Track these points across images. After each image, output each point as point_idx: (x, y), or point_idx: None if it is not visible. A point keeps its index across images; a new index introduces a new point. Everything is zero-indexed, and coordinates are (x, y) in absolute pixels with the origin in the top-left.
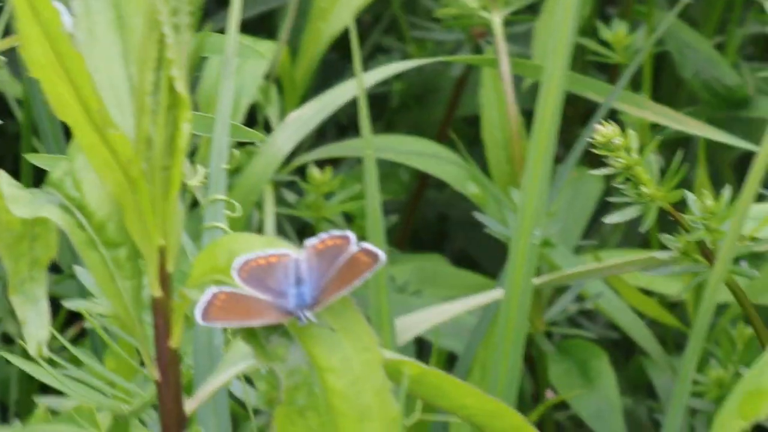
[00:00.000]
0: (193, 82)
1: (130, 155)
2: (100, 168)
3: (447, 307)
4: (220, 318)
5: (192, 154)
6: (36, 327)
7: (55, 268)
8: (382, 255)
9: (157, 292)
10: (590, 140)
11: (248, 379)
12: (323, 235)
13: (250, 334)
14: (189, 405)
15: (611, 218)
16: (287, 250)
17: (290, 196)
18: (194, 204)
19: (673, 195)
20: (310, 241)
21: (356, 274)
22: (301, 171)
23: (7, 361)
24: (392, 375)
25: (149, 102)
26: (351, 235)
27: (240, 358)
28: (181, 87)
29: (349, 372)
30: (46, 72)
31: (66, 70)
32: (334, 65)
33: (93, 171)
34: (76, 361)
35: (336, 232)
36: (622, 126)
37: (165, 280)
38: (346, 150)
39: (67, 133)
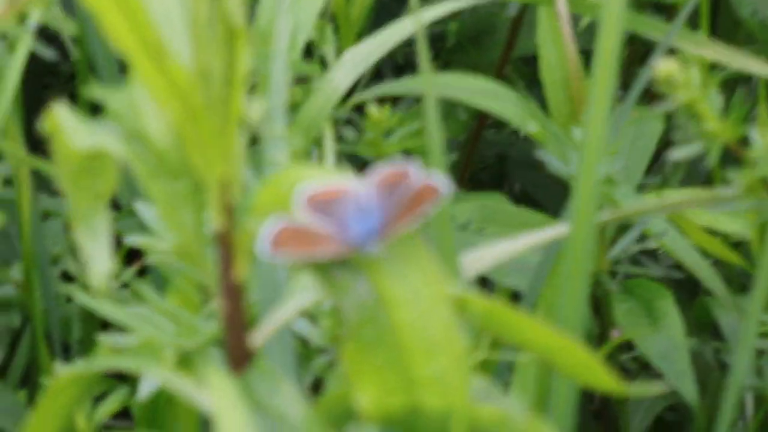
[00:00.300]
0: (249, 18)
1: (190, 85)
2: (159, 99)
3: (510, 244)
4: (284, 251)
5: (251, 90)
6: (99, 261)
7: (113, 205)
8: (445, 186)
9: (221, 225)
10: (650, 78)
11: (311, 318)
12: (386, 167)
13: (315, 267)
14: (254, 339)
15: (674, 155)
16: (351, 181)
17: (349, 134)
18: (254, 141)
19: (736, 131)
20: (374, 173)
21: (420, 206)
22: (360, 109)
23: (68, 300)
24: (459, 310)
25: (206, 34)
26: (417, 166)
27: (304, 292)
28: (237, 18)
29: (416, 305)
30: (101, 2)
31: None
32: (388, 6)
33: (152, 102)
34: (139, 298)
35: (401, 164)
36: (682, 64)
37: (228, 212)
38: (404, 88)
39: (123, 70)
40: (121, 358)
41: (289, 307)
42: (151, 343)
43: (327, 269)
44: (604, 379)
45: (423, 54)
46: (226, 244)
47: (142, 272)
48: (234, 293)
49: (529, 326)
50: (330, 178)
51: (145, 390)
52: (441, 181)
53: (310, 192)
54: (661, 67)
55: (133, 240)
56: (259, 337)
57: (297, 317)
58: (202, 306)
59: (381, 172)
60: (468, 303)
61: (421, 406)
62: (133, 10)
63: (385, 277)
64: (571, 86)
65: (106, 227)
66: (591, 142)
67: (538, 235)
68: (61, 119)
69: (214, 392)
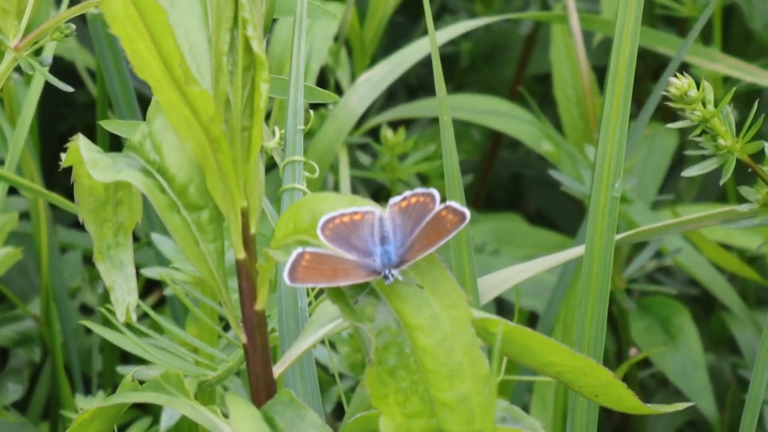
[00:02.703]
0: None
1: (212, 113)
2: (180, 128)
3: (527, 266)
4: (306, 278)
5: (266, 118)
6: (124, 292)
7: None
8: (467, 213)
9: (241, 254)
10: (664, 94)
11: (331, 345)
12: (407, 193)
13: (337, 294)
14: (277, 368)
15: (689, 171)
16: (371, 207)
17: (364, 158)
18: (270, 166)
19: (750, 146)
20: (395, 199)
21: (441, 232)
22: (373, 133)
23: (87, 332)
24: (479, 334)
25: (226, 62)
26: (435, 192)
27: (326, 320)
28: (258, 46)
29: (438, 329)
30: (126, 28)
31: (147, 24)
32: (400, 29)
33: (173, 133)
34: (158, 330)
35: (420, 190)
36: (695, 79)
37: (248, 241)
38: (419, 110)
39: (141, 102)
40: (143, 391)
41: (312, 336)
42: (172, 374)
43: (349, 296)
44: (624, 398)
45: (438, 76)
46: (247, 274)
47: (161, 302)
48: (255, 323)
49: (548, 348)
50: (351, 203)
51: (167, 421)
52: (462, 207)
53: (331, 218)
54: (675, 84)
55: (152, 271)
56: (281, 366)
57: (318, 345)
58: (222, 335)
59: (404, 196)
60: (488, 326)
61: (444, 430)
62: (157, 34)
63: (407, 302)
64: (584, 103)
65: (130, 258)
66: (605, 161)
67: (555, 256)
68: (82, 151)
69: (237, 422)
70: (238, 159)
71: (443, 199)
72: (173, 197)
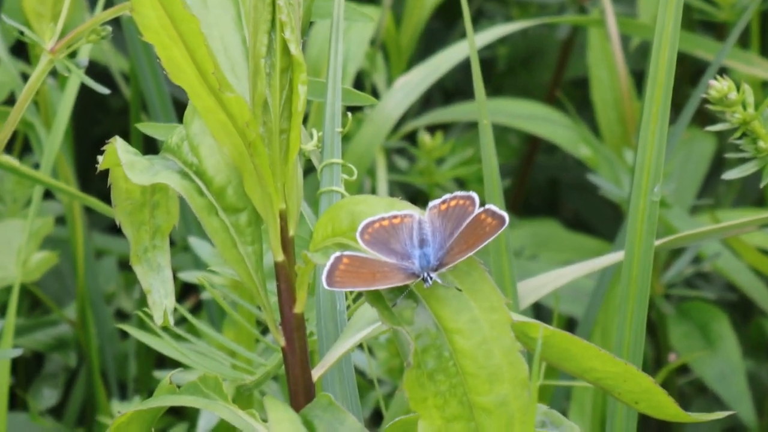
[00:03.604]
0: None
1: (248, 118)
2: (217, 132)
3: (566, 271)
4: (344, 282)
5: (305, 120)
6: (161, 295)
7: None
8: (506, 216)
9: (280, 257)
10: (703, 97)
11: (369, 350)
12: (447, 196)
13: (376, 298)
14: (315, 372)
15: (729, 174)
16: (411, 210)
17: (401, 163)
18: (308, 170)
19: None
20: (434, 202)
21: (480, 235)
22: (411, 137)
23: (123, 337)
24: (518, 337)
25: (264, 65)
26: (475, 196)
27: (365, 323)
28: (296, 49)
29: (477, 332)
30: (159, 36)
31: (180, 33)
32: (436, 34)
33: (210, 136)
34: (195, 333)
35: (461, 193)
36: (734, 83)
37: (287, 244)
38: (456, 114)
39: (176, 106)
40: (180, 395)
41: (350, 339)
42: (210, 378)
43: (387, 299)
44: (665, 405)
45: (477, 79)
46: (285, 277)
47: (198, 307)
48: (294, 326)
49: (587, 353)
50: (390, 207)
51: (205, 425)
52: (501, 211)
53: (371, 221)
54: (716, 86)
55: (189, 275)
56: (320, 369)
57: (356, 349)
58: (260, 339)
59: (443, 199)
60: (527, 330)
61: None
62: (191, 41)
63: (446, 305)
64: (622, 107)
65: (168, 261)
66: (644, 165)
67: (594, 261)
68: (119, 153)
69: (276, 425)
70: (276, 162)
71: (482, 203)
72: (211, 199)
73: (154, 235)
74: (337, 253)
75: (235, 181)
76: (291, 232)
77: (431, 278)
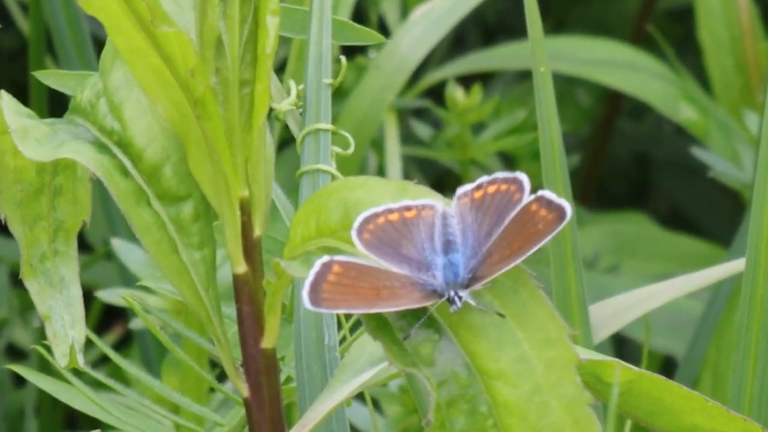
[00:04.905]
0: None
1: (194, 63)
2: (149, 85)
3: (659, 289)
4: (335, 300)
5: (280, 68)
6: (65, 324)
7: (82, 245)
8: (567, 207)
9: (241, 267)
10: None
11: (374, 402)
12: (483, 179)
13: (380, 326)
14: None
15: None
16: (432, 200)
17: (422, 130)
18: (285, 141)
19: None
20: (465, 188)
21: (531, 236)
22: (435, 93)
23: (19, 382)
24: (589, 383)
25: None
26: (523, 178)
27: (366, 364)
28: None
29: (527, 378)
30: None
31: None
32: None
33: (138, 90)
34: (122, 380)
35: (502, 175)
36: None
37: (251, 248)
38: (501, 60)
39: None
40: None
41: (344, 387)
42: None
43: (397, 328)
44: None
45: (532, 10)
46: (249, 296)
47: (127, 339)
48: (262, 368)
49: (691, 405)
50: (400, 193)
51: None
52: (560, 200)
53: (372, 215)
54: None
55: (112, 294)
56: (301, 430)
57: (354, 400)
58: (215, 387)
59: (478, 183)
60: (602, 373)
61: None
62: None
63: (483, 337)
64: (742, 50)
65: (76, 275)
66: None
67: (700, 275)
68: (5, 115)
69: None
70: (234, 128)
71: (535, 190)
72: (141, 182)
73: (55, 236)
74: (326, 259)
75: (174, 156)
76: (257, 231)
77: (461, 298)
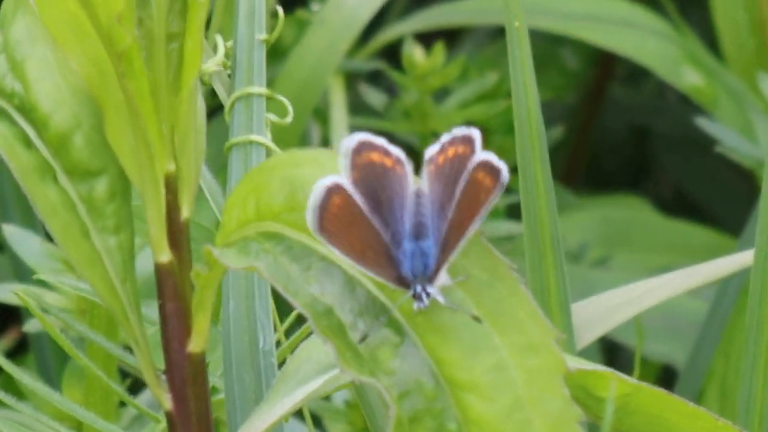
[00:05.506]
0: None
1: (120, 9)
2: (61, 35)
3: (657, 285)
4: (337, 235)
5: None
6: None
7: None
8: (504, 170)
9: (165, 256)
10: None
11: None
12: (444, 138)
13: (331, 325)
14: None
15: None
16: (402, 154)
17: (374, 97)
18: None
19: None
20: (432, 151)
21: (475, 207)
22: (390, 52)
23: None
24: (576, 397)
25: None
26: (475, 134)
27: (311, 372)
28: None
29: (506, 391)
30: None
31: None
32: None
33: (45, 43)
34: (15, 392)
35: (460, 132)
36: None
37: (178, 234)
38: (468, 14)
39: None
40: None
41: (283, 401)
42: None
43: (351, 327)
44: None
45: None
46: (174, 291)
47: (22, 345)
48: (189, 377)
49: (695, 423)
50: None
51: None
52: (499, 162)
53: (365, 146)
54: None
55: (3, 292)
56: None
57: (291, 416)
58: (127, 401)
59: (438, 147)
60: (592, 385)
61: None
62: None
63: (453, 341)
64: (759, 4)
65: None
66: None
67: (705, 268)
68: None
69: None
70: (160, 89)
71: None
72: (46, 155)
73: None
74: (329, 181)
75: (87, 123)
76: (185, 213)
77: (428, 295)
